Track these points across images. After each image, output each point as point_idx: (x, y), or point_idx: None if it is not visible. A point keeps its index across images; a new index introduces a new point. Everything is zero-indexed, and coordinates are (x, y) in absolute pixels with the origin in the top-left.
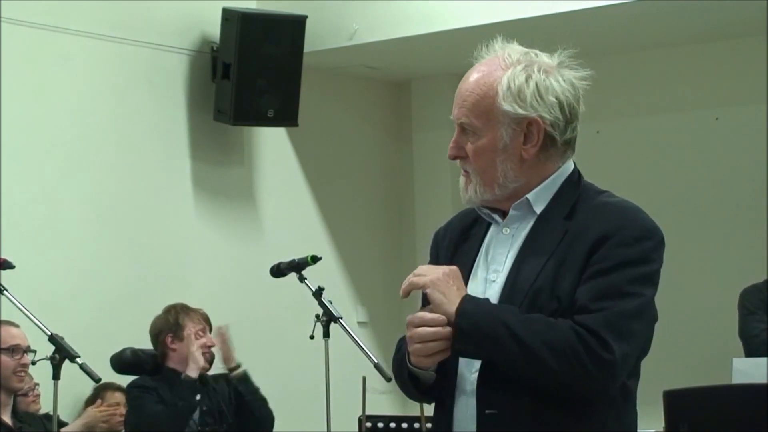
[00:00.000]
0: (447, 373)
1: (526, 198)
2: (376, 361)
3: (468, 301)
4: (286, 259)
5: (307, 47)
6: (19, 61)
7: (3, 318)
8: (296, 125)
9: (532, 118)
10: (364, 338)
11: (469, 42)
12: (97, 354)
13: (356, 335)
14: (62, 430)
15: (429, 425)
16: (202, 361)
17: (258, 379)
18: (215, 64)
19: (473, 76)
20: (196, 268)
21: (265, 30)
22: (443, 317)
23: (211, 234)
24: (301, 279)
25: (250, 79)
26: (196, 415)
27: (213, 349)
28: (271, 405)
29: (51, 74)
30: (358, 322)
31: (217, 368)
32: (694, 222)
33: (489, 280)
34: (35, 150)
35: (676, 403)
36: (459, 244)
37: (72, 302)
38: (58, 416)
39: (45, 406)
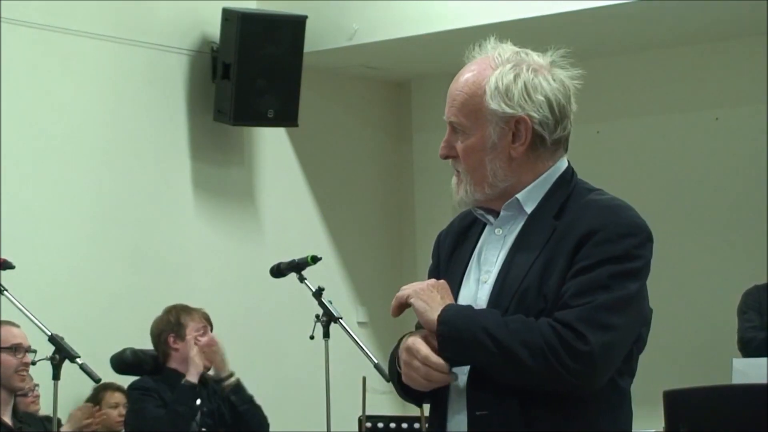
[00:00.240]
0: None
1: (516, 198)
2: (376, 361)
3: (449, 308)
4: (286, 259)
5: (307, 47)
6: (19, 61)
7: (3, 318)
8: (296, 125)
9: (520, 116)
10: (364, 338)
11: (469, 42)
12: (97, 354)
13: (356, 335)
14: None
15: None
16: (202, 366)
17: (258, 380)
18: (215, 64)
19: (463, 75)
20: (196, 268)
21: (265, 30)
22: (446, 364)
23: (211, 234)
24: (301, 279)
25: (250, 79)
26: (197, 416)
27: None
28: (271, 405)
29: (51, 74)
30: (358, 322)
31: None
32: (694, 222)
33: (481, 281)
34: (35, 150)
35: (676, 403)
36: (457, 246)
37: (72, 302)
38: (59, 418)
39: (45, 407)
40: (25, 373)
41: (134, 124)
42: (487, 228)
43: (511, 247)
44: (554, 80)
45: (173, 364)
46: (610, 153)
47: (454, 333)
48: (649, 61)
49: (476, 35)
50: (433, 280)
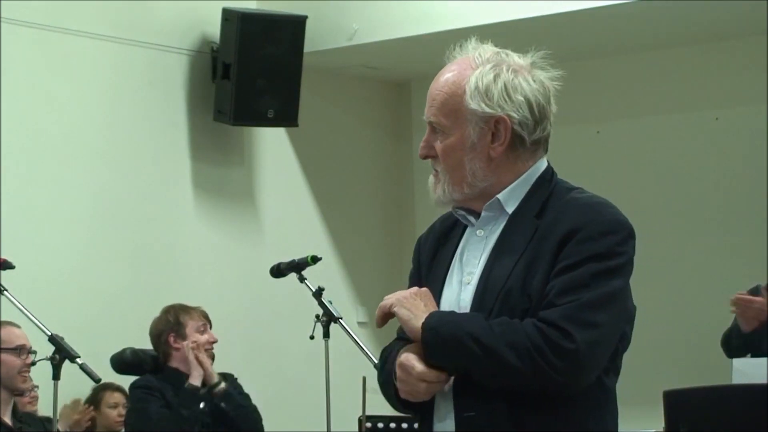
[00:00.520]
0: None
1: (497, 198)
2: (376, 362)
3: (433, 315)
4: (286, 259)
5: (307, 47)
6: (19, 61)
7: (3, 318)
8: (296, 125)
9: (499, 116)
10: (364, 338)
11: None
12: (97, 354)
13: (356, 335)
14: None
15: None
16: (202, 370)
17: (258, 379)
18: (215, 64)
19: (444, 75)
20: (196, 268)
21: (265, 30)
22: (444, 374)
23: (211, 234)
24: (301, 279)
25: (250, 79)
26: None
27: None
28: (271, 405)
29: (51, 74)
30: (358, 323)
31: (217, 368)
32: (694, 222)
33: (463, 282)
34: (35, 150)
35: (676, 403)
36: (438, 248)
37: (72, 302)
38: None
39: (45, 407)
40: (27, 374)
41: (134, 124)
42: (468, 229)
43: (494, 248)
44: (534, 81)
45: (175, 363)
46: (610, 153)
47: (439, 340)
48: (649, 61)
49: (476, 35)
50: (415, 288)
